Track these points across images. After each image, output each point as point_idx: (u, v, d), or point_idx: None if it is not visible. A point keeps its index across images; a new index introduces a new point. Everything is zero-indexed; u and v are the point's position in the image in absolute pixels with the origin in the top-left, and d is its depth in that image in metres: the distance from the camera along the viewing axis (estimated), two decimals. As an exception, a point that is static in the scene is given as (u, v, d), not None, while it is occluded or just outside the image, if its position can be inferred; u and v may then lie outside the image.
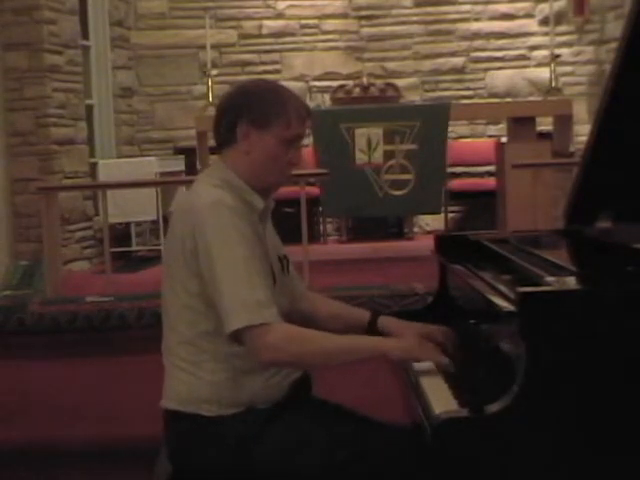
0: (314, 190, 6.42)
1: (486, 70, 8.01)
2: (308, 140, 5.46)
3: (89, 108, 7.13)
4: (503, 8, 7.99)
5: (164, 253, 2.28)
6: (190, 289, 2.09)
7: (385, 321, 2.37)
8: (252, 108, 2.14)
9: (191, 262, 2.07)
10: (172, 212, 2.25)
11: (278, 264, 2.29)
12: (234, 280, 2.01)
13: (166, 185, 6.92)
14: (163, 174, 6.78)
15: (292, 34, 8.04)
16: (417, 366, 2.14)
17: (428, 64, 8.01)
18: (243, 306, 1.99)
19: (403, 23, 8.01)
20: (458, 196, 7.48)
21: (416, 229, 7.79)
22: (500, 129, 7.64)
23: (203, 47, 7.24)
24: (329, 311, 2.43)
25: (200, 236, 2.05)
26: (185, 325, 2.12)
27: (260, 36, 8.05)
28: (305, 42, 8.04)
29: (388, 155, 5.82)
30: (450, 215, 7.60)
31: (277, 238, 2.35)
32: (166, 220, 6.38)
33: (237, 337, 2.02)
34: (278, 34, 8.03)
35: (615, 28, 6.94)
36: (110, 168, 6.80)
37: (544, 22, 7.72)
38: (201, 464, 2.12)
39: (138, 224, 7.08)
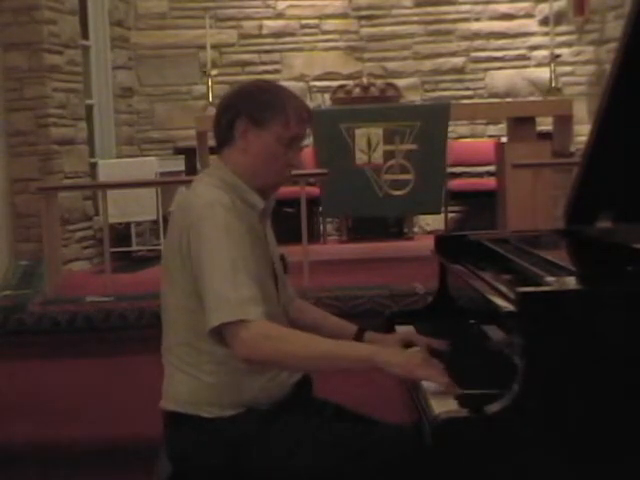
0: (314, 190, 6.42)
1: (486, 70, 8.01)
2: (308, 140, 5.46)
3: (89, 108, 7.13)
4: (503, 8, 7.99)
5: (163, 253, 2.28)
6: (187, 289, 2.08)
7: (372, 337, 2.35)
8: (250, 106, 2.14)
9: (186, 261, 2.07)
10: (172, 212, 2.24)
11: (280, 263, 2.29)
12: (218, 279, 1.99)
13: (166, 185, 6.92)
14: (163, 174, 6.78)
15: (292, 34, 8.04)
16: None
17: (428, 64, 8.01)
18: (224, 304, 1.97)
19: (403, 23, 8.01)
20: (458, 196, 7.47)
21: (416, 229, 7.79)
22: (500, 129, 7.63)
23: (203, 47, 7.23)
24: (314, 320, 2.41)
25: (193, 235, 2.05)
26: (184, 326, 2.12)
27: (260, 36, 8.05)
28: (305, 42, 8.04)
29: (388, 155, 5.82)
30: (450, 215, 7.60)
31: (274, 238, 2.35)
32: (166, 220, 6.37)
33: (219, 336, 2.01)
34: (278, 34, 8.03)
35: (615, 28, 6.94)
36: (110, 168, 6.80)
37: (544, 22, 7.72)
38: (201, 465, 2.12)
39: (138, 224, 7.08)
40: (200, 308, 2.06)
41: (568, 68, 7.74)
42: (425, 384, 1.98)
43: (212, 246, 2.02)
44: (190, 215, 2.08)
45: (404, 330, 2.52)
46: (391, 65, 8.03)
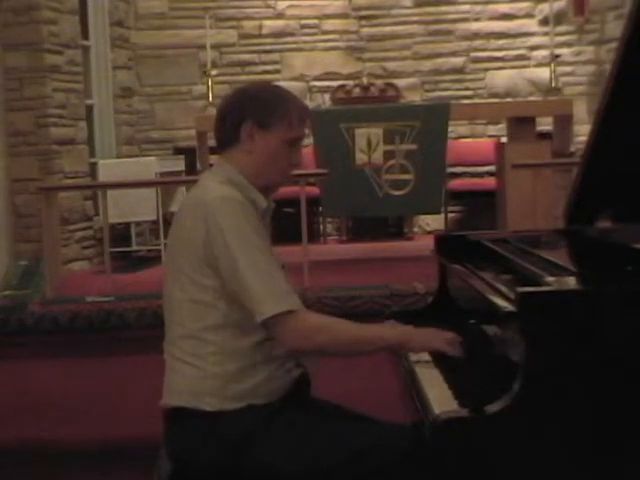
0: (314, 190, 6.41)
1: (486, 70, 8.00)
2: (308, 140, 5.46)
3: (89, 108, 7.12)
4: (503, 8, 7.98)
5: (168, 249, 2.30)
6: (200, 282, 2.11)
7: None
8: (256, 109, 2.19)
9: (202, 254, 2.09)
10: (177, 210, 2.27)
11: (278, 264, 2.31)
12: (257, 272, 2.06)
13: (166, 185, 6.92)
14: (163, 174, 6.77)
15: (292, 34, 8.04)
16: (416, 363, 2.14)
17: (428, 64, 8.01)
18: (271, 295, 2.05)
19: (403, 23, 8.00)
20: (458, 196, 7.47)
21: (416, 229, 7.78)
22: (500, 129, 7.63)
23: (203, 47, 7.23)
24: None
25: (214, 228, 2.08)
26: (191, 319, 2.14)
27: (260, 36, 8.04)
28: (305, 42, 8.04)
29: (388, 155, 5.82)
30: (450, 215, 7.60)
31: None
32: (166, 220, 6.37)
33: (267, 325, 2.07)
34: (278, 34, 8.03)
35: (615, 28, 6.94)
36: (110, 168, 6.79)
37: (544, 22, 7.72)
38: (201, 462, 2.12)
39: (138, 224, 7.08)
40: (210, 300, 2.10)
41: (568, 68, 7.74)
42: (424, 383, 1.99)
43: (240, 241, 2.07)
44: (204, 209, 2.10)
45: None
46: (391, 65, 8.03)
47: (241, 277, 2.06)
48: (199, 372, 2.13)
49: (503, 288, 1.94)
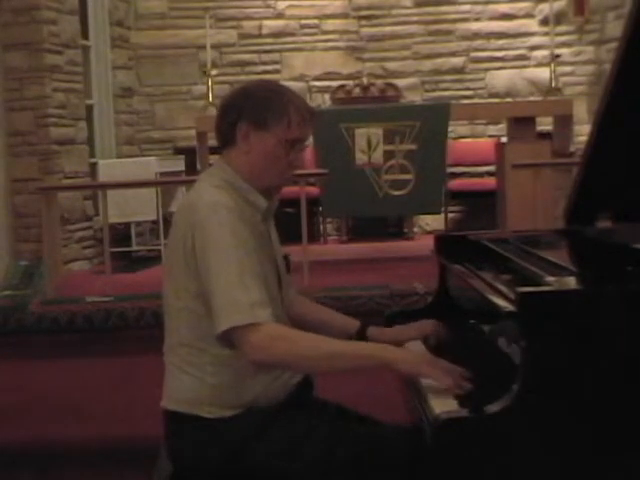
0: (314, 190, 6.42)
1: (486, 70, 8.01)
2: (308, 140, 5.46)
3: (89, 108, 7.12)
4: (503, 8, 7.99)
5: (166, 253, 2.28)
6: (190, 290, 2.08)
7: (374, 331, 2.36)
8: (252, 108, 2.14)
9: (190, 262, 2.06)
10: (174, 212, 2.24)
11: (283, 263, 2.29)
12: (226, 282, 1.99)
13: (166, 185, 6.92)
14: (163, 174, 6.77)
15: (292, 34, 8.04)
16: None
17: (428, 64, 8.01)
18: (232, 307, 1.98)
19: (403, 23, 8.01)
20: (458, 196, 7.48)
21: (416, 229, 7.78)
22: (500, 129, 7.64)
23: (203, 47, 7.23)
24: (318, 317, 2.42)
25: (198, 236, 2.04)
26: (186, 327, 2.11)
27: (260, 36, 8.05)
28: (305, 42, 8.04)
29: (388, 155, 5.82)
30: (450, 215, 7.60)
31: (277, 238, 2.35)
32: (166, 220, 6.38)
33: (228, 338, 2.01)
34: (278, 34, 8.03)
35: (615, 28, 6.94)
36: (110, 168, 6.80)
37: (544, 22, 7.72)
38: (201, 464, 2.12)
39: (138, 224, 7.08)
40: (204, 309, 2.06)
41: (568, 68, 7.74)
42: (425, 382, 1.98)
43: (219, 248, 2.02)
44: (193, 216, 2.07)
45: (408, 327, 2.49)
46: (391, 65, 8.03)
47: (210, 289, 2.01)
48: (197, 382, 2.11)
49: (503, 288, 1.94)
